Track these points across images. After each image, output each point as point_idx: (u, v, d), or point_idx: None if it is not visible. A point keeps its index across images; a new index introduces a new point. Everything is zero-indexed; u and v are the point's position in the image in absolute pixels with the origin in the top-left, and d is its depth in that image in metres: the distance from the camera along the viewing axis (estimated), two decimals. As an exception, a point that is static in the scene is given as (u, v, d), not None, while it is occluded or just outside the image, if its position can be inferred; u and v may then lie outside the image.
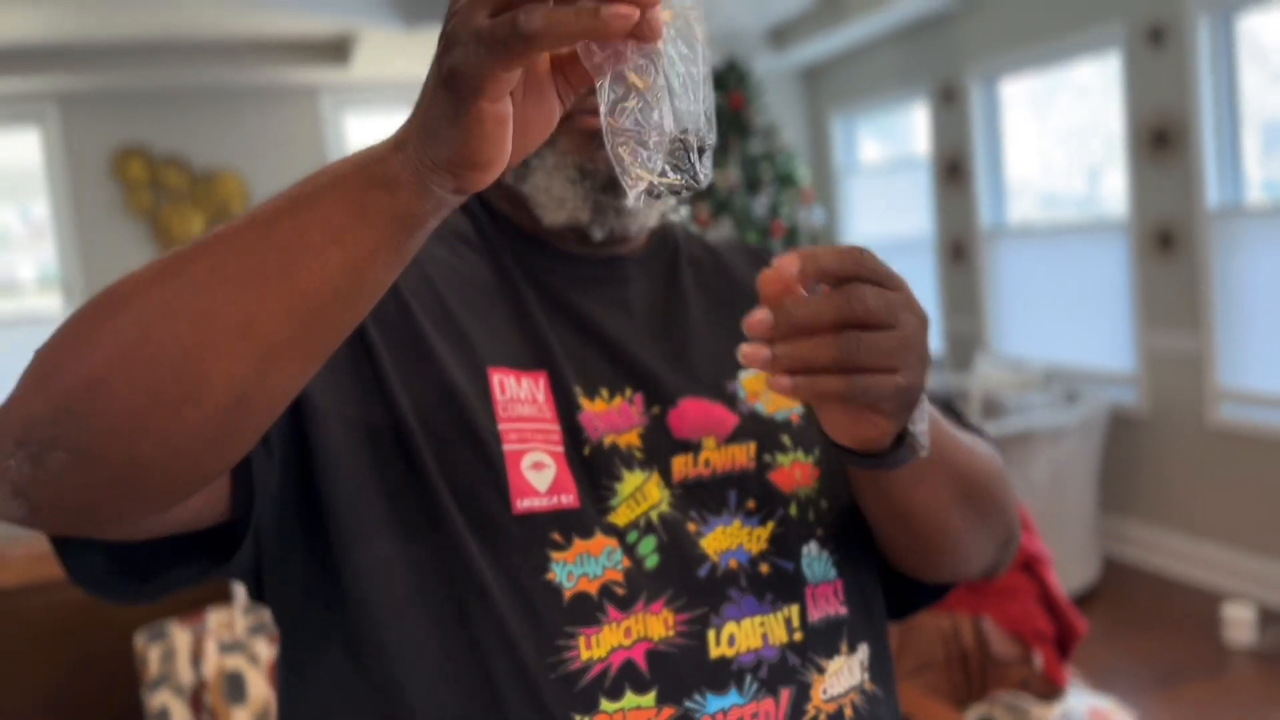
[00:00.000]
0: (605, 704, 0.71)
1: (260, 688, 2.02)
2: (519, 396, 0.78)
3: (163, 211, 5.68)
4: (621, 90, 0.54)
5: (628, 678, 0.71)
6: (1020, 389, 4.56)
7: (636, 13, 0.50)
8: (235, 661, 2.03)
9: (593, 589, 0.73)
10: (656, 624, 0.74)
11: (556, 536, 0.74)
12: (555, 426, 0.78)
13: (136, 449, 0.55)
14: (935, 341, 5.94)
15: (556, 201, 0.83)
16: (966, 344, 5.64)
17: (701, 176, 0.55)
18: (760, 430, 0.84)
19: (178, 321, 0.54)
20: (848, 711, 0.78)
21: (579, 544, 0.74)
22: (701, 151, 0.56)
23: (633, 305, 0.88)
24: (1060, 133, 5.06)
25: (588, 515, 0.76)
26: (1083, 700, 2.23)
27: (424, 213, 0.55)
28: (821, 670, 0.78)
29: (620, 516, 0.77)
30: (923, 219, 5.99)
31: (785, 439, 0.85)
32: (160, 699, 2.03)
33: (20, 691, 2.30)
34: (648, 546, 0.76)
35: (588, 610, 0.72)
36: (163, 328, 0.54)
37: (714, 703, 0.73)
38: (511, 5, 0.50)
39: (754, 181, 5.82)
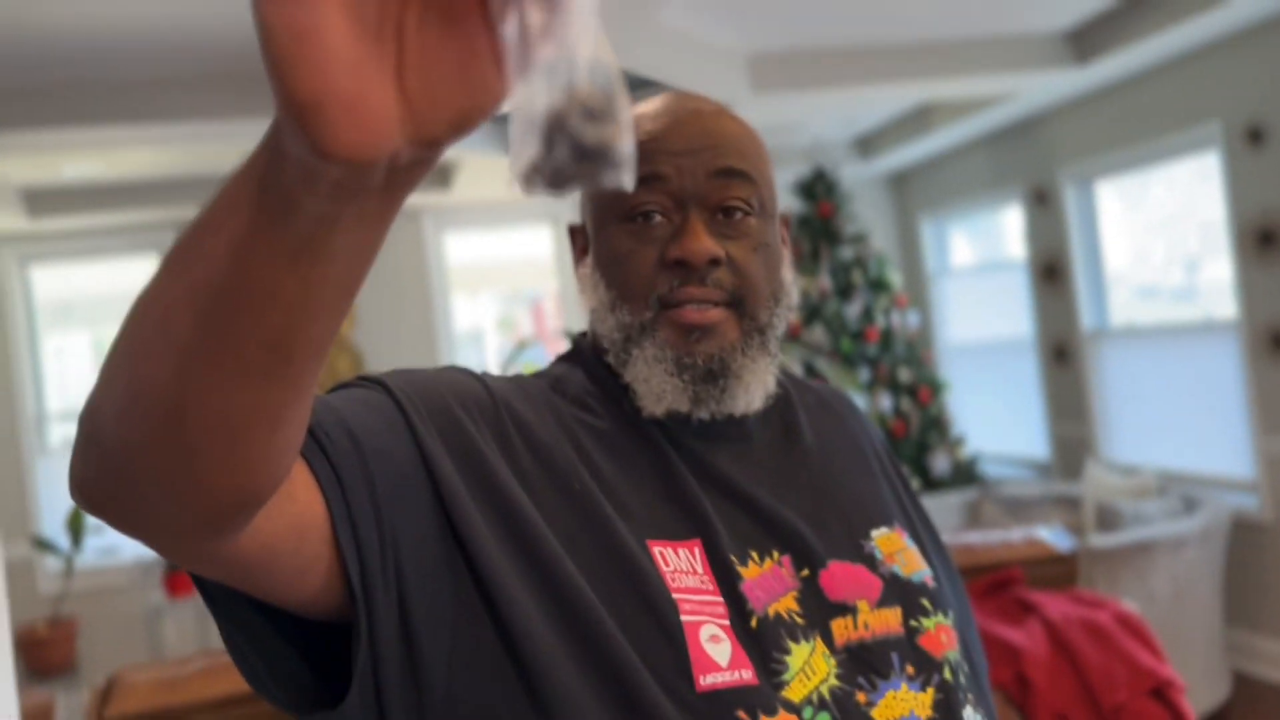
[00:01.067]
0: None
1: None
2: (681, 568, 0.77)
3: (271, 332, 5.88)
4: (517, 21, 0.38)
5: None
6: (1135, 497, 4.41)
7: None
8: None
9: None
10: None
11: (741, 714, 0.72)
12: (719, 598, 0.77)
13: (124, 458, 0.53)
14: (1042, 446, 5.80)
15: (655, 395, 0.83)
16: (1075, 449, 5.49)
17: (612, 157, 0.39)
18: (903, 594, 0.84)
19: (126, 323, 0.52)
20: None
21: None
22: (592, 114, 0.38)
23: (760, 460, 0.88)
24: (1155, 224, 4.98)
25: (766, 692, 0.74)
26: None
27: (286, 178, 0.42)
28: None
29: (794, 692, 0.75)
30: (1021, 320, 5.90)
31: (925, 602, 0.84)
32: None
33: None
34: None
35: None
36: (121, 332, 0.52)
37: None
38: None
39: (845, 288, 5.82)
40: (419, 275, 6.16)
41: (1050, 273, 5.50)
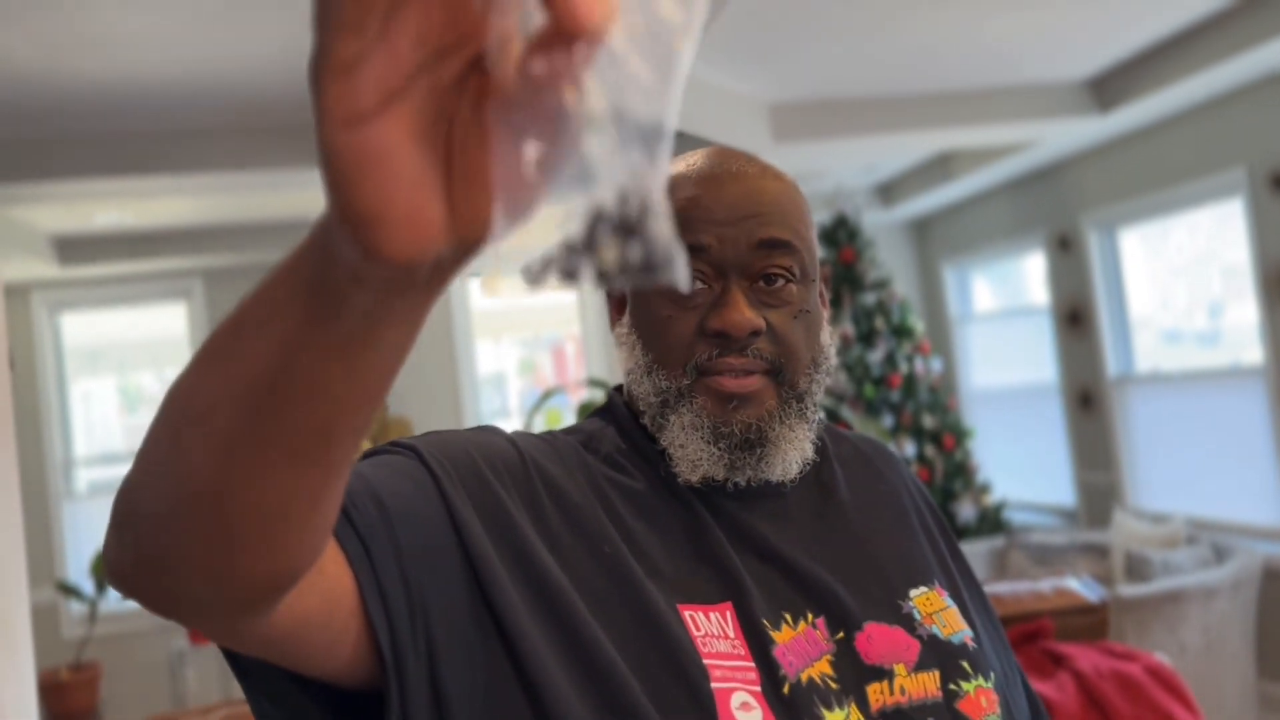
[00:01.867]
0: None
1: None
2: (713, 632, 0.76)
3: (296, 378, 5.93)
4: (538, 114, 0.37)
5: None
6: (1164, 545, 4.35)
7: None
8: None
9: None
10: None
11: None
12: (750, 663, 0.76)
13: (163, 545, 0.54)
14: (1068, 493, 5.75)
15: (691, 462, 0.82)
16: (1102, 496, 5.43)
17: (659, 259, 0.36)
18: (942, 656, 0.82)
19: (164, 411, 0.53)
20: None
21: None
22: (642, 217, 0.36)
23: (796, 519, 0.87)
24: (1179, 269, 4.96)
25: None
26: None
27: (338, 282, 0.43)
28: None
29: None
30: (1045, 367, 5.87)
31: (965, 664, 0.83)
32: None
33: None
34: None
35: None
36: (158, 420, 0.53)
37: None
38: None
39: (868, 334, 5.82)
40: (443, 320, 6.20)
41: (1074, 319, 5.48)
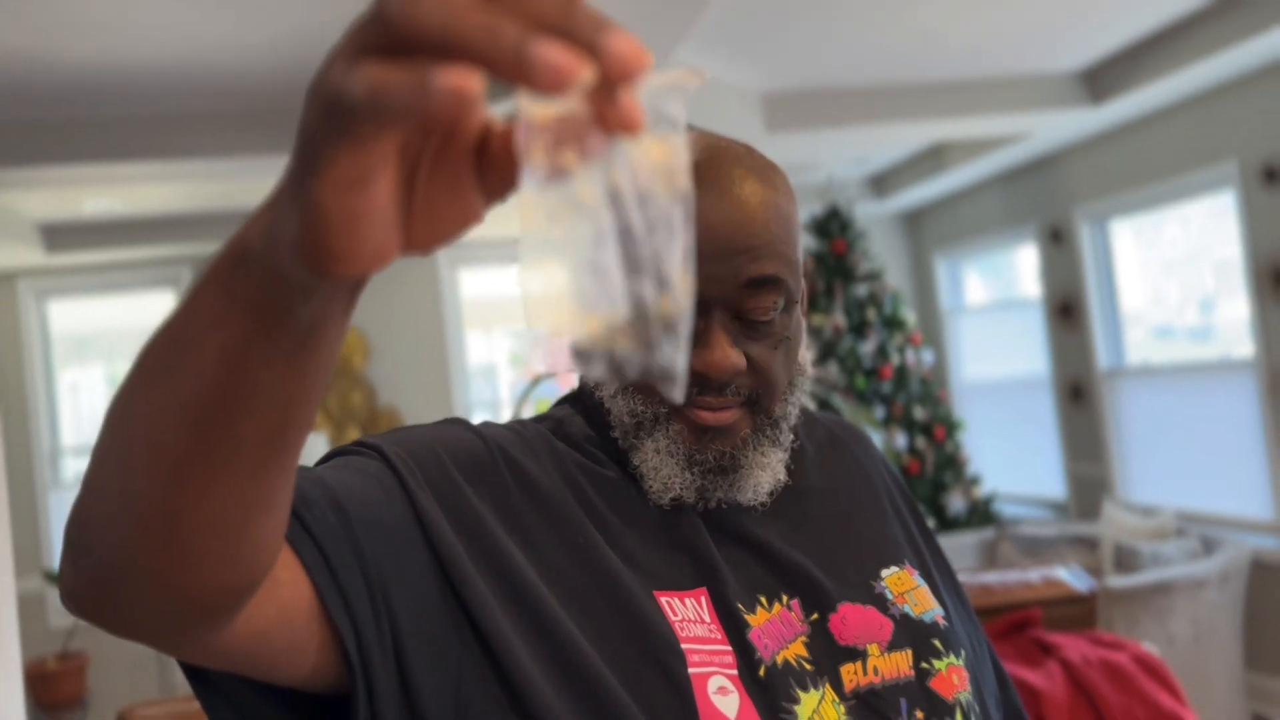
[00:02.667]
0: None
1: None
2: (689, 617, 0.76)
3: (285, 367, 5.92)
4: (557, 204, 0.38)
5: None
6: (1154, 538, 4.36)
7: (474, 89, 0.35)
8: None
9: None
10: None
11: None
12: (727, 647, 0.76)
13: (117, 567, 0.54)
14: (1058, 486, 5.76)
15: (663, 484, 0.81)
16: (1092, 489, 5.44)
17: (669, 365, 0.38)
18: (915, 635, 0.82)
19: (108, 434, 0.52)
20: None
21: None
22: (669, 327, 0.38)
23: (769, 503, 0.86)
24: (1171, 263, 4.97)
25: None
26: None
27: (285, 297, 0.44)
28: None
29: None
30: (1036, 359, 5.88)
31: (936, 643, 0.83)
32: None
33: None
34: None
35: None
36: (102, 443, 0.53)
37: None
38: (392, 50, 0.36)
39: (860, 325, 5.81)
40: (433, 311, 6.18)
41: (1065, 311, 5.49)
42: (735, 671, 0.75)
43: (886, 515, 0.93)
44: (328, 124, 0.38)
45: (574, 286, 0.38)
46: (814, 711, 0.75)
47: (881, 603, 0.83)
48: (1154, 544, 4.09)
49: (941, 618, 0.85)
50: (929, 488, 5.71)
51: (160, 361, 0.49)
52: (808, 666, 0.77)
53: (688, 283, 0.38)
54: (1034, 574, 2.90)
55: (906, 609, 0.84)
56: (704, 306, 0.78)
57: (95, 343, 6.14)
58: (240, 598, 0.56)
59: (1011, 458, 6.20)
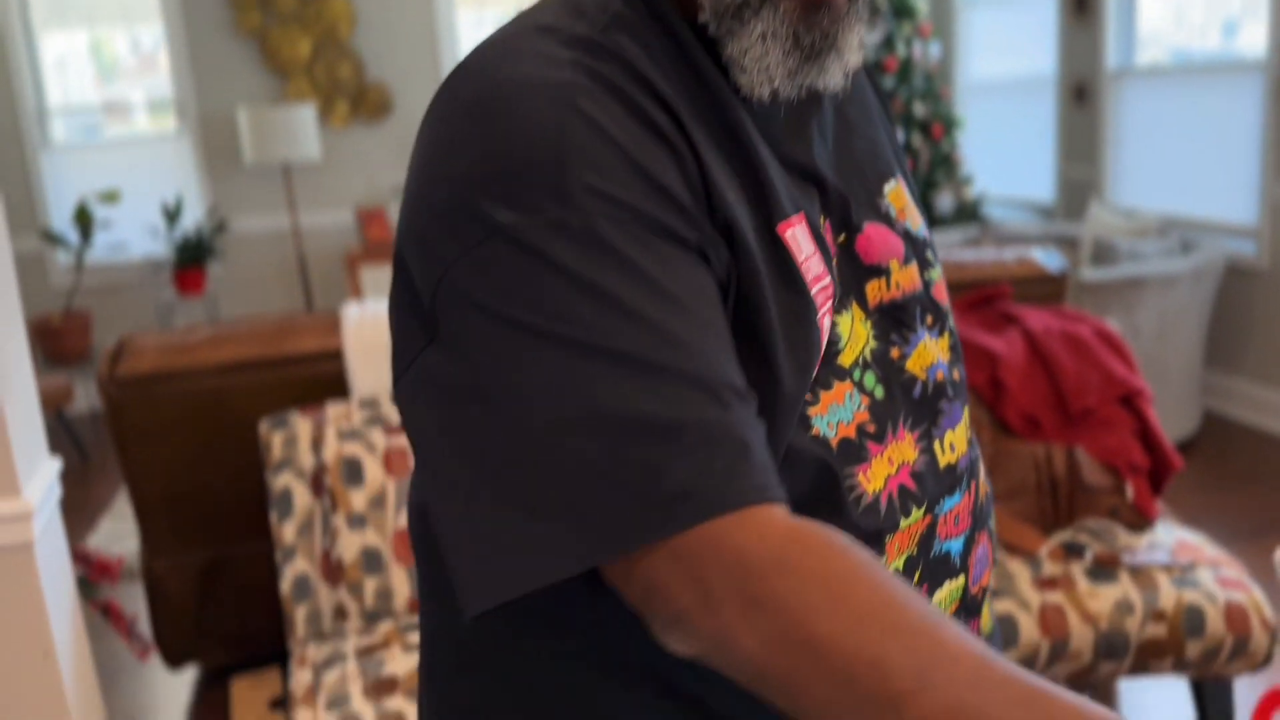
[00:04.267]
0: (903, 522, 0.75)
1: (376, 473, 2.14)
2: (807, 253, 0.73)
3: (271, 33, 5.72)
4: None
5: (908, 498, 0.76)
6: (1134, 236, 4.42)
7: None
8: (353, 448, 2.15)
9: (851, 433, 0.74)
10: (907, 448, 0.77)
11: (806, 394, 0.72)
12: (829, 279, 0.74)
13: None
14: (1048, 189, 5.77)
15: (765, 75, 0.71)
16: (1081, 191, 5.45)
17: None
18: (917, 249, 0.84)
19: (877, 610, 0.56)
20: (983, 489, 0.86)
21: (824, 396, 0.73)
22: None
23: (792, 121, 0.80)
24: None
25: (828, 364, 0.74)
26: (1171, 533, 2.24)
27: None
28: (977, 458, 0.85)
29: (845, 358, 0.75)
30: (1045, 57, 5.71)
31: (929, 255, 0.85)
32: (283, 480, 2.17)
33: (154, 469, 2.48)
34: (871, 381, 0.76)
35: (854, 451, 0.74)
36: (870, 612, 0.55)
37: (948, 503, 0.79)
38: None
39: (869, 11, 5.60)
40: (424, -21, 5.92)
41: (1081, 5, 5.28)
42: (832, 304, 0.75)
43: (875, 120, 0.87)
44: None
45: None
46: (850, 329, 0.76)
47: (888, 219, 0.81)
48: (1133, 240, 4.15)
49: (926, 230, 0.86)
50: (920, 185, 5.71)
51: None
52: (839, 289, 0.77)
53: None
54: (1008, 252, 2.96)
55: (907, 224, 0.83)
56: None
57: (75, 5, 5.89)
58: None
59: (1006, 160, 6.16)
